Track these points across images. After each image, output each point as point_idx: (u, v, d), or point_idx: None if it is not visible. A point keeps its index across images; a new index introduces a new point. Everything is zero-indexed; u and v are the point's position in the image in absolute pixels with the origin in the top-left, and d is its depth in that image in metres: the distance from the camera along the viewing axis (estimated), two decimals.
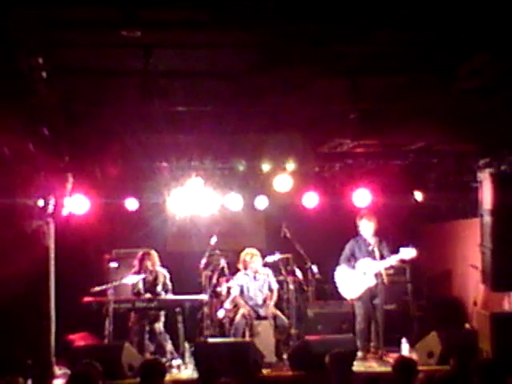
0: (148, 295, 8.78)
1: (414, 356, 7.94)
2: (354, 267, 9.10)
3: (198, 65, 6.14)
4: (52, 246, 8.10)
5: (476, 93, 6.58)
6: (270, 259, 9.31)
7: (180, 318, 8.64)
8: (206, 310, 9.13)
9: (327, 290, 10.01)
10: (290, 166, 8.82)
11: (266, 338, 8.67)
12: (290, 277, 9.33)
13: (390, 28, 5.34)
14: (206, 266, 9.38)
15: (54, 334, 7.99)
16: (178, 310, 8.63)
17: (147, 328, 8.85)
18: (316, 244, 9.81)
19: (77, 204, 8.68)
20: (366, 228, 9.17)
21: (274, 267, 9.39)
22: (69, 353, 8.01)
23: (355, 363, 7.72)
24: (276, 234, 9.75)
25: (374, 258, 9.00)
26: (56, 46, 5.63)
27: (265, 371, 7.99)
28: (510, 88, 6.49)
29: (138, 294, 8.84)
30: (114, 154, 8.14)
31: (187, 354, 8.50)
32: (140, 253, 9.08)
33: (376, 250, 9.02)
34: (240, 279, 9.22)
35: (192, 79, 6.50)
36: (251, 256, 9.22)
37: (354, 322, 9.15)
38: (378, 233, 9.18)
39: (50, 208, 7.96)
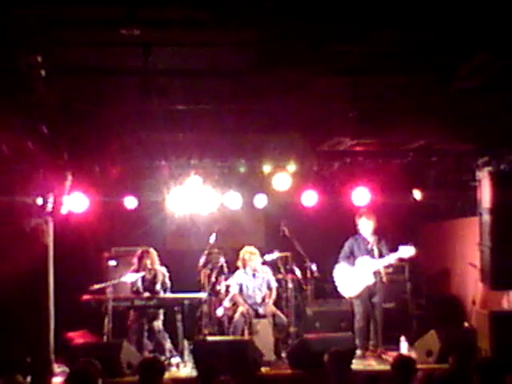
0: (147, 294, 8.78)
1: (413, 354, 7.96)
2: (353, 265, 9.11)
3: (198, 63, 6.12)
4: (51, 244, 8.09)
5: (475, 92, 6.58)
6: (268, 257, 9.31)
7: (179, 317, 8.64)
8: (204, 308, 9.14)
9: (326, 288, 10.01)
10: (291, 167, 8.83)
11: (264, 337, 8.67)
12: (289, 275, 9.34)
13: (389, 28, 5.33)
14: (205, 264, 9.39)
15: (53, 332, 7.99)
16: (176, 308, 8.63)
17: (146, 326, 8.85)
18: (315, 242, 9.82)
19: (76, 202, 8.67)
20: (365, 226, 9.19)
21: (273, 266, 9.40)
22: (68, 351, 8.02)
23: (354, 361, 7.74)
24: (275, 233, 9.75)
25: (373, 256, 9.01)
26: (55, 45, 5.61)
27: (264, 369, 8.00)
28: (510, 87, 6.49)
29: (136, 292, 8.84)
30: (113, 152, 8.13)
31: (186, 352, 8.51)
32: (139, 251, 9.07)
33: (375, 248, 9.04)
34: (239, 277, 9.22)
35: (191, 78, 6.50)
36: (250, 254, 9.22)
37: (353, 321, 9.16)
38: (377, 231, 9.19)
39: (49, 206, 7.96)
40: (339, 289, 9.23)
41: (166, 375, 6.13)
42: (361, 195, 9.26)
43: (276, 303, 9.26)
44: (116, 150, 8.06)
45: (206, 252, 9.39)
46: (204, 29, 5.32)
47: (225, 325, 9.16)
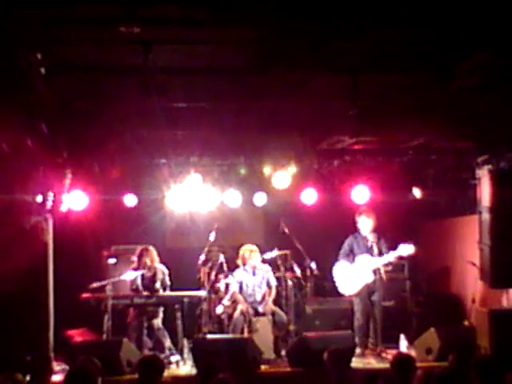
0: (146, 292, 8.78)
1: (413, 352, 7.96)
2: (352, 263, 9.11)
3: (198, 62, 6.12)
4: (50, 242, 8.10)
5: (475, 90, 6.58)
6: (268, 256, 9.31)
7: (178, 315, 8.64)
8: (204, 306, 9.13)
9: (326, 286, 10.02)
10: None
11: (264, 335, 8.68)
12: (289, 273, 9.33)
13: (389, 26, 5.33)
14: (205, 262, 9.39)
15: (53, 330, 8.00)
16: (176, 306, 8.64)
17: (146, 324, 8.87)
18: (314, 241, 9.83)
19: (75, 200, 8.66)
20: (365, 224, 9.19)
21: (273, 264, 9.39)
22: (67, 349, 8.02)
23: (353, 360, 7.77)
24: (274, 231, 9.77)
25: (373, 254, 9.01)
26: (55, 43, 5.61)
27: (263, 367, 8.01)
28: (509, 85, 6.49)
29: (136, 290, 8.84)
30: (113, 150, 8.13)
31: (186, 350, 8.50)
32: (139, 249, 9.08)
33: (374, 246, 9.04)
34: (239, 275, 9.22)
35: (191, 76, 6.49)
36: (250, 252, 9.22)
37: (353, 319, 9.16)
38: (376, 229, 9.18)
39: (49, 204, 7.96)
40: (338, 286, 9.23)
41: (166, 373, 6.14)
42: (360, 193, 9.26)
43: (275, 301, 9.26)
44: (116, 148, 8.06)
45: (205, 250, 9.39)
46: (204, 27, 5.32)
47: (224, 323, 9.15)
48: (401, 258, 9.16)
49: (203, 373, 5.99)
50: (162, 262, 9.09)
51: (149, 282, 8.92)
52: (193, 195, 9.08)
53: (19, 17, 4.96)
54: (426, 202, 9.69)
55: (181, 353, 8.57)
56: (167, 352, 8.72)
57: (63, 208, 8.34)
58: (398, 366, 5.59)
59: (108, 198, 9.08)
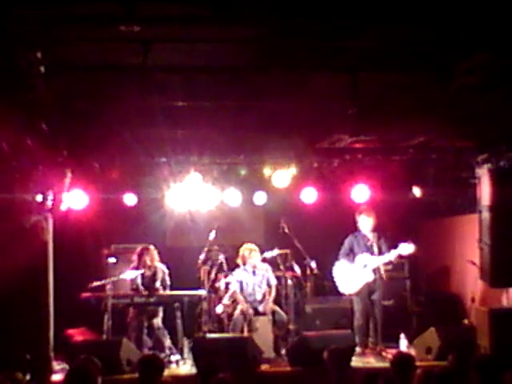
0: (146, 291, 8.77)
1: (412, 352, 7.96)
2: (352, 262, 9.11)
3: (198, 61, 6.12)
4: (50, 241, 8.10)
5: (475, 90, 6.58)
6: (268, 255, 9.30)
7: (178, 314, 8.65)
8: (204, 305, 9.11)
9: (326, 285, 10.02)
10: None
11: (264, 334, 8.68)
12: (289, 272, 9.32)
13: (389, 25, 5.33)
14: (205, 261, 9.38)
15: (53, 329, 8.00)
16: (176, 305, 8.64)
17: (146, 323, 8.87)
18: (314, 240, 9.81)
19: (75, 199, 8.67)
20: (365, 223, 9.18)
21: (273, 263, 9.38)
22: (67, 348, 8.03)
23: (353, 359, 7.76)
24: (274, 230, 9.74)
25: (373, 253, 9.01)
26: (55, 42, 5.61)
27: (263, 367, 8.01)
28: (509, 85, 6.49)
29: (136, 289, 8.84)
30: (113, 149, 8.13)
31: (186, 350, 8.51)
32: (139, 248, 9.08)
33: (374, 245, 9.04)
34: (239, 275, 9.22)
35: (191, 74, 6.49)
36: (250, 251, 9.22)
37: (353, 318, 9.16)
38: (376, 228, 9.19)
39: (49, 203, 7.96)
40: (338, 286, 9.23)
41: (166, 372, 6.14)
42: (360, 192, 9.26)
43: (275, 300, 9.25)
44: (115, 147, 8.05)
45: (205, 249, 9.38)
46: (204, 26, 5.32)
47: (224, 322, 9.15)
48: (401, 257, 9.17)
49: (203, 372, 5.99)
50: (161, 261, 9.09)
51: (149, 281, 8.92)
52: (193, 194, 9.08)
53: (19, 17, 4.96)
54: (426, 200, 9.69)
55: (181, 352, 8.58)
56: (167, 351, 8.72)
57: (63, 207, 8.34)
58: (398, 365, 5.59)
59: (108, 197, 9.08)
